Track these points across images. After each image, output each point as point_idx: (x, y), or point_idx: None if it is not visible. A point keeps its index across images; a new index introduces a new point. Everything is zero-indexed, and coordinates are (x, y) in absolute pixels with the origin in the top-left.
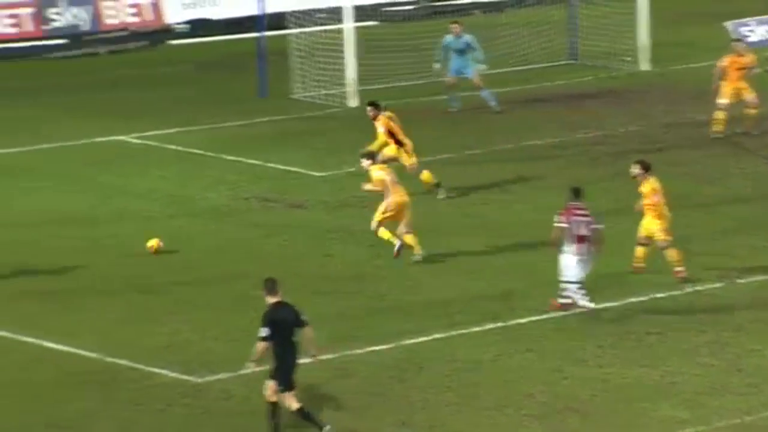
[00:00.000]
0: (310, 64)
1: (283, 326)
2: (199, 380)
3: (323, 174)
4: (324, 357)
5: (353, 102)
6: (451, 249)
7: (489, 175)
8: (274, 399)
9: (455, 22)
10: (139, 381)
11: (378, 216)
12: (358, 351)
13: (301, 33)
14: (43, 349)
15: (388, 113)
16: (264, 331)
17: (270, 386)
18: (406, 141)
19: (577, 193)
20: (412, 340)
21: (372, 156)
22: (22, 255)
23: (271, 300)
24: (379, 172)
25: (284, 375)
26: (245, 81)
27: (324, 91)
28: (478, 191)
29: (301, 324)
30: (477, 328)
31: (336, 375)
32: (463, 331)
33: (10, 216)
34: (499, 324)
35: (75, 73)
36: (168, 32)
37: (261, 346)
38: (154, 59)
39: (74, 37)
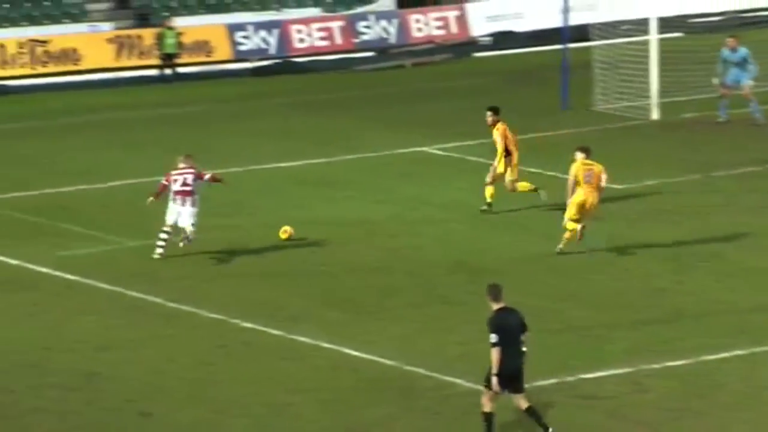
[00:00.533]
0: (613, 76)
1: (510, 331)
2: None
3: (623, 186)
4: (620, 371)
5: (655, 114)
6: (753, 262)
7: None
8: (488, 409)
9: (732, 36)
10: (436, 390)
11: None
12: (656, 366)
13: (604, 45)
14: (342, 355)
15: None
16: (494, 338)
17: (486, 395)
18: (515, 152)
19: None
20: (712, 356)
21: (586, 150)
22: (329, 264)
23: (496, 306)
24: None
25: (501, 380)
26: (547, 93)
27: (626, 103)
28: None
29: (525, 329)
30: None
31: (633, 390)
32: (766, 348)
33: (312, 223)
34: None
35: (382, 84)
36: (473, 45)
37: (495, 352)
38: (458, 71)
39: (382, 50)
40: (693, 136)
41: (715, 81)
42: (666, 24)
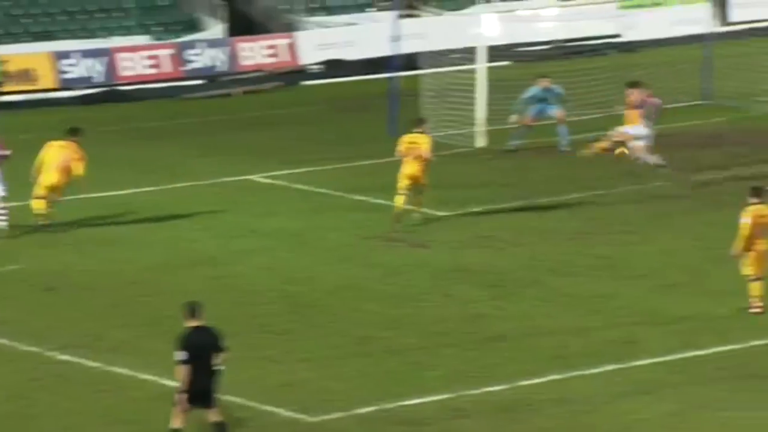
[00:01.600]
0: (441, 104)
1: (201, 349)
2: (314, 419)
3: (447, 213)
4: (440, 397)
5: (481, 142)
6: (572, 289)
7: (614, 215)
8: (176, 425)
9: (544, 77)
10: (254, 419)
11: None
12: (474, 391)
13: (433, 73)
14: (161, 386)
15: None
16: (180, 355)
17: (176, 411)
18: None
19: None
20: (528, 381)
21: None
22: (150, 294)
23: (191, 324)
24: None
25: (189, 397)
26: (376, 121)
27: (453, 131)
28: (603, 231)
29: (221, 349)
30: (594, 370)
31: (452, 415)
32: (580, 372)
33: (138, 256)
34: (618, 366)
35: (211, 113)
36: (303, 73)
37: (182, 369)
38: (288, 99)
39: (211, 77)
40: (519, 164)
41: (514, 118)
42: (495, 52)
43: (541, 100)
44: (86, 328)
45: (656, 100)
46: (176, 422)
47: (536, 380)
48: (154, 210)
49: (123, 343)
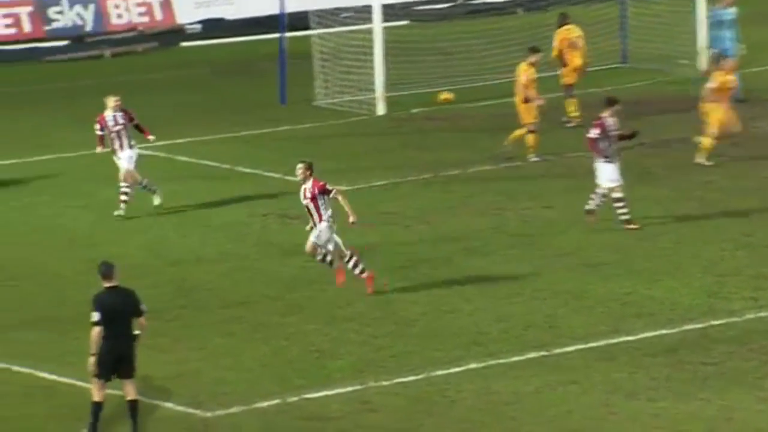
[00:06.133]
0: (335, 68)
1: (117, 312)
2: (208, 414)
3: (349, 188)
4: (347, 389)
5: (381, 109)
6: (488, 269)
7: (531, 187)
8: (97, 398)
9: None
10: (140, 415)
11: None
12: (385, 383)
13: (325, 33)
14: (36, 378)
15: None
16: (95, 316)
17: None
18: None
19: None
20: (444, 371)
21: None
22: (18, 278)
23: (106, 284)
24: None
25: (103, 363)
26: (264, 86)
27: (349, 97)
28: (519, 205)
29: (139, 313)
30: (516, 358)
31: (359, 409)
32: (501, 360)
33: (6, 234)
34: (541, 353)
35: (78, 77)
36: (180, 33)
37: (94, 332)
38: (164, 62)
39: (77, 38)
40: (422, 133)
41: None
42: (391, 12)
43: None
44: None
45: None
46: (96, 395)
47: (453, 369)
48: (18, 185)
49: None
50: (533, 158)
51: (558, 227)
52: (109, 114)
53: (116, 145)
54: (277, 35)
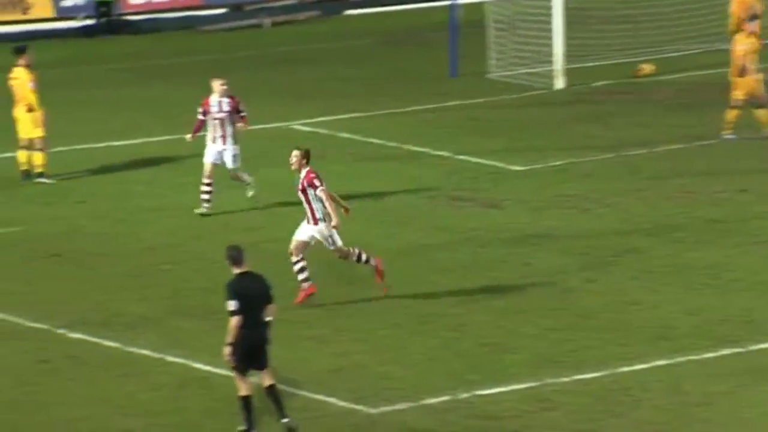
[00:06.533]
0: (510, 38)
1: (252, 300)
2: (374, 411)
3: (524, 168)
4: (522, 386)
5: (560, 83)
6: (676, 258)
7: (725, 168)
8: (244, 392)
9: None
10: (303, 410)
11: None
12: (564, 379)
13: (500, 0)
14: (191, 370)
15: None
16: (232, 305)
17: (238, 377)
18: None
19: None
20: (628, 368)
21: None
22: (173, 262)
23: (237, 270)
24: None
25: (240, 354)
26: (433, 58)
27: (526, 70)
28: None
29: (270, 300)
30: (708, 354)
31: (538, 407)
32: (691, 357)
33: (157, 216)
34: (736, 350)
35: (235, 48)
36: (344, 0)
37: (233, 321)
38: (326, 32)
39: (235, 6)
40: (604, 109)
41: None
42: None
43: None
44: (99, 301)
45: None
46: (243, 389)
47: (638, 366)
48: (171, 162)
49: (144, 320)
50: (728, 136)
51: (754, 212)
52: (214, 99)
53: (217, 133)
54: (448, 2)
